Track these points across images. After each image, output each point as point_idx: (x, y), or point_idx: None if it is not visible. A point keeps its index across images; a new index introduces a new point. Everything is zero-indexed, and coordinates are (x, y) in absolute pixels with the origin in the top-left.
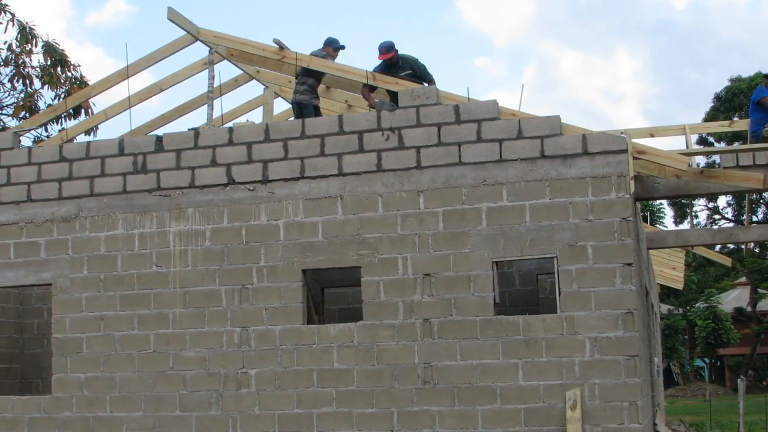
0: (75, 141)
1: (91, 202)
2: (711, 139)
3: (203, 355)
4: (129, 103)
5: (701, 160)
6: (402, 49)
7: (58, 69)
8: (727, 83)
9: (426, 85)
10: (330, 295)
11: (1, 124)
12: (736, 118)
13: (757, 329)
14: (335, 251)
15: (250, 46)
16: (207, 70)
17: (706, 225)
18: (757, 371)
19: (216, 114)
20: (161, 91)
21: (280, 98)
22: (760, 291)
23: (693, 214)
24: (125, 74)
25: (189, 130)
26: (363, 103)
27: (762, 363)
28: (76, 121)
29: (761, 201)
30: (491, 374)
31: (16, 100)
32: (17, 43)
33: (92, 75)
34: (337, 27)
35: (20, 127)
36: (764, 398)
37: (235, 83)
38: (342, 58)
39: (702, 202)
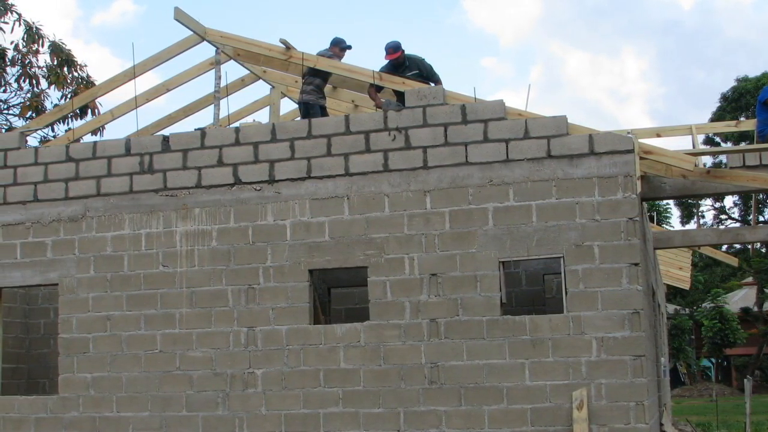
0: (81, 141)
1: (97, 202)
2: (717, 139)
3: (210, 355)
4: (135, 103)
5: (708, 160)
6: (408, 49)
7: (65, 69)
8: (733, 83)
9: (432, 85)
10: (336, 295)
11: (8, 124)
12: (742, 118)
13: (763, 329)
14: (342, 251)
15: (257, 46)
16: (213, 70)
17: (712, 225)
18: (763, 371)
19: (222, 114)
20: (168, 91)
21: (286, 98)
22: (767, 291)
23: (699, 214)
24: (132, 74)
25: (195, 130)
26: (370, 103)
27: None
28: (83, 121)
29: None
30: (498, 374)
31: (22, 100)
32: (24, 43)
33: (99, 75)
34: (344, 27)
35: (27, 127)
36: None
37: (241, 83)
38: (348, 58)
39: (708, 202)
